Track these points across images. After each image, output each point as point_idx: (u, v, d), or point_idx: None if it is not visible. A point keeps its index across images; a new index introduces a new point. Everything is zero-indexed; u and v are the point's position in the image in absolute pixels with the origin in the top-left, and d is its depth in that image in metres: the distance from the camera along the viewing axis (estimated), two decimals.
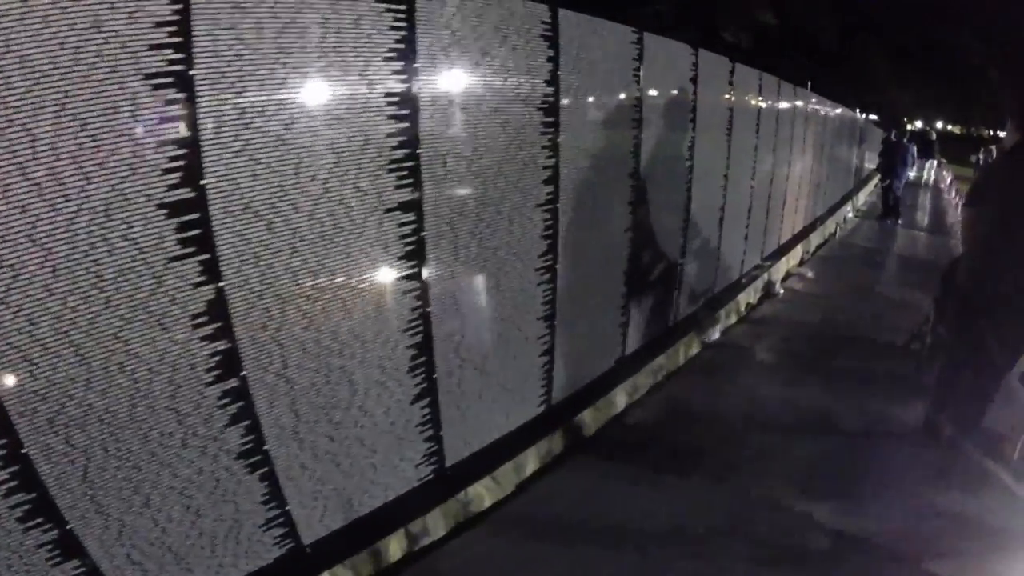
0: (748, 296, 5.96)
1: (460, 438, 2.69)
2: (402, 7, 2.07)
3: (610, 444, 3.52)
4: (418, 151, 2.23)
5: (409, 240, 2.26)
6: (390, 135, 2.12)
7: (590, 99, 3.15)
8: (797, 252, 7.92)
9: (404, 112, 2.14)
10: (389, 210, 2.17)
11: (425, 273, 2.34)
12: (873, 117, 16.84)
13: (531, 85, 2.72)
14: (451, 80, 2.35)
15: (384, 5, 2.02)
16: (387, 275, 2.23)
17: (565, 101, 2.89)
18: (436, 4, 2.20)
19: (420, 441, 2.51)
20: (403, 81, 2.12)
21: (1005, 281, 2.94)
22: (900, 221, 11.70)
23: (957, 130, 37.65)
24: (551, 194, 2.94)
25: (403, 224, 2.23)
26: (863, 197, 14.34)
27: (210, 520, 1.86)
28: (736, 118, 5.00)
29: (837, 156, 10.75)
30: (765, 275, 6.46)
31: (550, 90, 2.81)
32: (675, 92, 4.02)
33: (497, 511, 2.87)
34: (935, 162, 20.52)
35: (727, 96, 4.86)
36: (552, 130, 2.87)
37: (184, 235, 1.65)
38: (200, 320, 1.72)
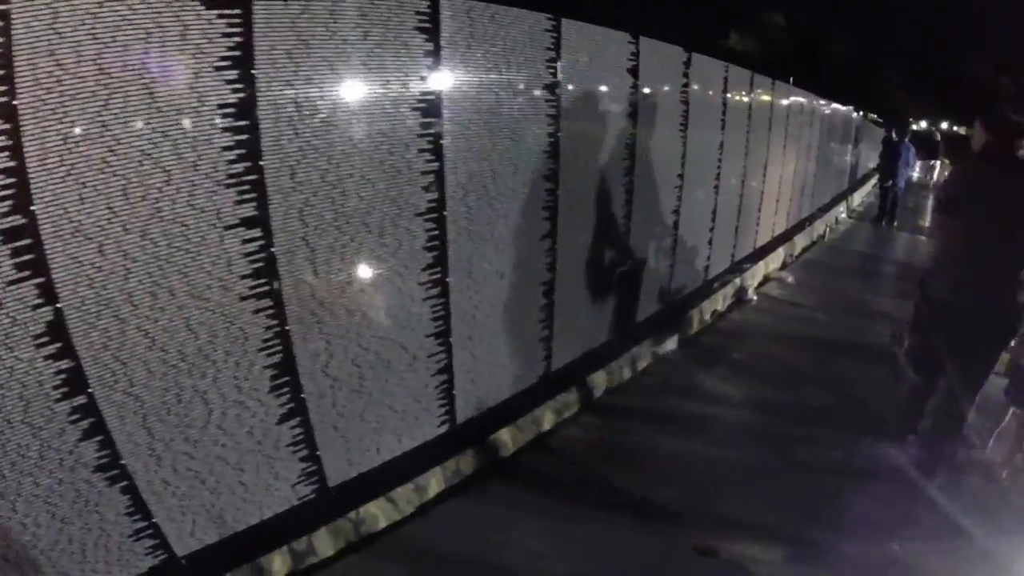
0: (715, 303, 5.60)
1: (343, 458, 2.59)
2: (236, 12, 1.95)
3: (528, 468, 3.22)
4: (260, 163, 2.08)
5: (256, 256, 2.14)
6: (226, 148, 2.00)
7: (486, 93, 2.82)
8: (779, 255, 7.54)
9: (242, 124, 2.01)
10: (231, 226, 2.06)
11: (280, 290, 2.22)
12: (875, 117, 16.34)
13: (403, 84, 2.42)
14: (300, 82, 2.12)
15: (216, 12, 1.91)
16: (232, 294, 2.11)
17: (446, 100, 2.60)
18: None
19: (294, 461, 2.43)
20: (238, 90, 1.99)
21: (979, 289, 2.83)
22: (896, 224, 11.28)
23: (963, 131, 36.84)
24: (435, 201, 2.63)
25: (248, 240, 2.11)
26: (859, 198, 13.90)
27: (77, 528, 1.93)
28: (693, 113, 4.65)
29: (829, 155, 10.34)
30: (737, 280, 6.11)
31: (431, 91, 2.52)
32: (600, 80, 3.65)
33: (392, 533, 2.70)
34: (939, 163, 20.00)
35: (681, 89, 4.51)
36: (433, 132, 2.57)
37: (19, 260, 1.69)
38: (42, 340, 1.77)
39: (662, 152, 4.35)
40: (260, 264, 2.13)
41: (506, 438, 3.26)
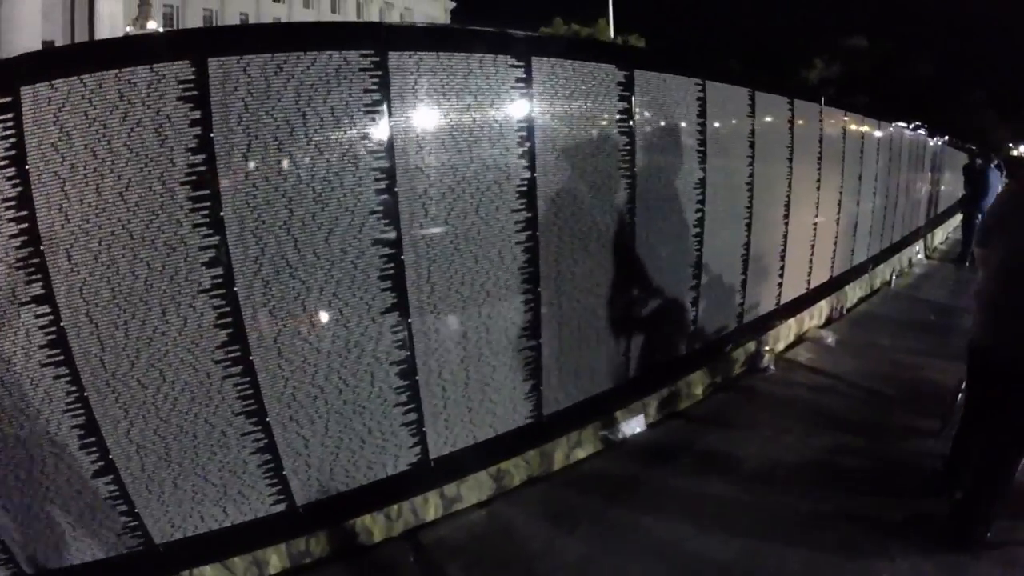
0: (704, 377, 4.51)
1: (165, 521, 2.49)
2: None
3: (390, 562, 2.80)
4: None
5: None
6: None
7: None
8: (820, 309, 6.29)
9: None
10: None
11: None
12: (959, 142, 14.41)
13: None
14: None
15: None
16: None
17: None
18: None
19: (116, 515, 2.42)
20: None
21: (1019, 330, 2.58)
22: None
23: None
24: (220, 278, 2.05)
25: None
26: (942, 234, 12.14)
27: None
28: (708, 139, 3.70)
29: (900, 186, 8.87)
30: (752, 345, 4.98)
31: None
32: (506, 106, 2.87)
33: None
34: None
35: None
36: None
37: None
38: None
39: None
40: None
41: (370, 527, 2.90)
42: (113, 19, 25.59)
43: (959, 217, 11.54)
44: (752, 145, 4.57)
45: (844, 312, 6.74)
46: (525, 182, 3.04)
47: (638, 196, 3.59)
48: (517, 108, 2.97)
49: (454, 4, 51.61)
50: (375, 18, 39.06)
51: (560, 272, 3.30)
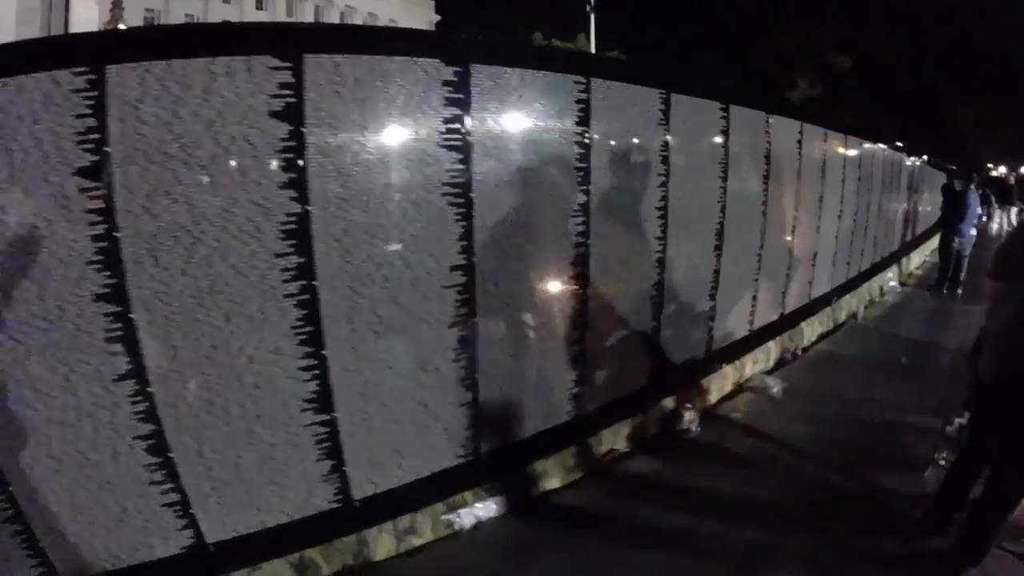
0: (611, 439, 3.64)
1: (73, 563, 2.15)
2: None
3: None
4: None
5: None
6: None
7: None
8: (768, 352, 5.44)
9: None
10: None
11: None
12: (938, 160, 13.70)
13: None
14: None
15: None
16: None
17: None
18: None
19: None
20: None
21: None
22: (960, 292, 8.80)
23: None
24: None
25: None
26: (919, 258, 11.37)
27: None
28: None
29: (868, 207, 8.07)
30: (670, 401, 4.11)
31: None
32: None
33: None
34: (1015, 210, 17.01)
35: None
36: None
37: None
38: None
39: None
40: None
41: None
42: (89, 24, 24.95)
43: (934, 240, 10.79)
44: (665, 160, 3.72)
45: (798, 353, 5.89)
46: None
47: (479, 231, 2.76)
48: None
49: (439, 18, 51.26)
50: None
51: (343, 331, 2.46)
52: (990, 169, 19.53)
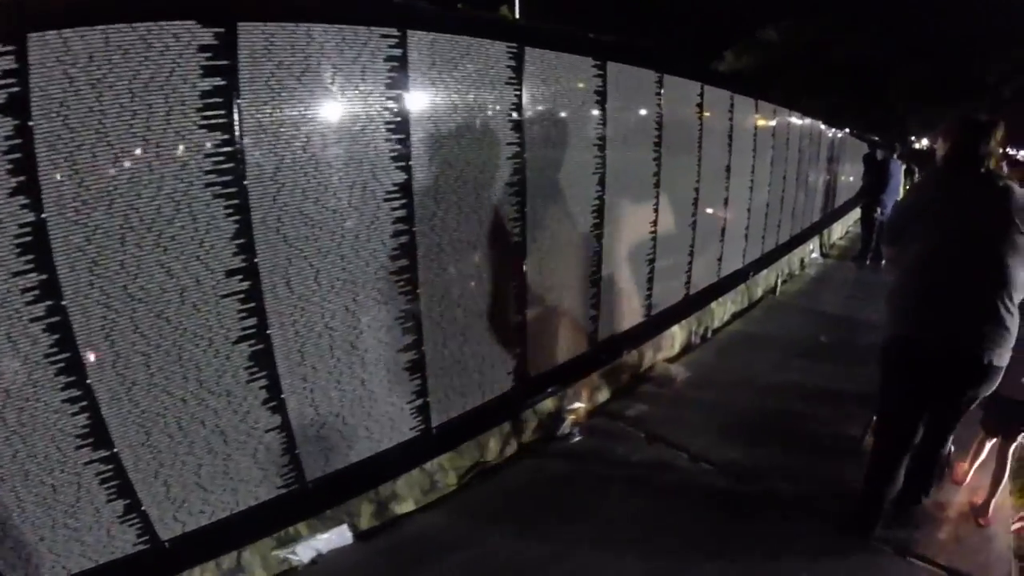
0: (463, 458, 3.11)
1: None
2: None
3: None
4: None
5: None
6: None
7: None
8: (673, 338, 5.02)
9: None
10: None
11: None
12: (858, 131, 13.67)
13: None
14: None
15: None
16: None
17: None
18: None
19: None
20: None
21: (950, 321, 2.44)
22: (883, 263, 8.65)
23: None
24: None
25: None
26: (841, 229, 11.27)
27: None
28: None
29: (785, 178, 7.78)
30: (549, 404, 3.60)
31: None
32: None
33: None
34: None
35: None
36: None
37: None
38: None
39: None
40: None
41: None
42: None
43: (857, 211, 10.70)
44: (519, 126, 3.17)
45: (708, 335, 5.50)
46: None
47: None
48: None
49: None
50: None
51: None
52: (913, 142, 19.81)
